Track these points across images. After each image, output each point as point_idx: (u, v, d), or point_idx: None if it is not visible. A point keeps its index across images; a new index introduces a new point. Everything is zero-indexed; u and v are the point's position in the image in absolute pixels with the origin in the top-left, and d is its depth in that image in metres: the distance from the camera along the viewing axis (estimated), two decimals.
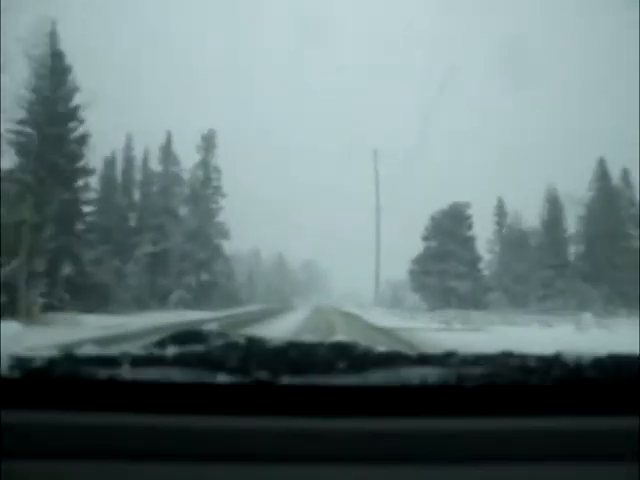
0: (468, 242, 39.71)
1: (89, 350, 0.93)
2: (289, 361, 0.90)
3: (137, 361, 0.89)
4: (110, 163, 36.98)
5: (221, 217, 40.33)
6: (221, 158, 40.53)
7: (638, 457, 0.82)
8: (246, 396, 0.87)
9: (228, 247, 42.04)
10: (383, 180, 42.94)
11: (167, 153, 39.37)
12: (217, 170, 40.34)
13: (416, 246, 40.94)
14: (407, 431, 0.85)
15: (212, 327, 1.00)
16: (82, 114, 26.15)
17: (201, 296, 36.74)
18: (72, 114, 26.23)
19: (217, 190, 40.45)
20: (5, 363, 0.88)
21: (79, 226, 27.48)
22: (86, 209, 29.11)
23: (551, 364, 0.91)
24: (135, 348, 0.95)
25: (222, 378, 0.87)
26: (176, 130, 40.54)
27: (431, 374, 0.88)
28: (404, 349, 1.00)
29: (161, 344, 0.95)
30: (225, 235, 40.21)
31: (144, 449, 0.83)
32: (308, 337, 1.31)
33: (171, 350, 0.92)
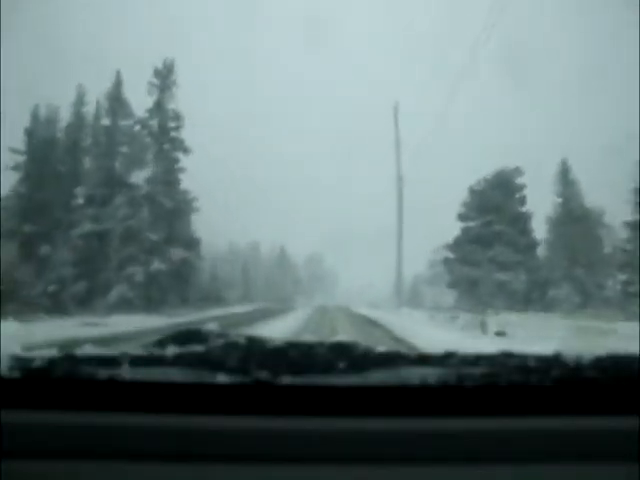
0: (521, 221, 39.00)
1: (89, 350, 1.25)
2: (289, 361, 1.20)
3: (137, 361, 1.19)
4: (47, 119, 35.84)
5: (185, 183, 37.63)
6: (218, 138, 38.82)
7: (638, 457, 1.09)
8: (246, 396, 1.16)
9: (222, 239, 40.75)
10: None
11: (117, 102, 37.21)
12: (177, 116, 37.10)
13: (441, 229, 40.55)
14: (407, 431, 1.13)
15: (212, 326, 1.32)
16: None
17: (151, 294, 34.18)
18: None
19: (177, 144, 37.21)
20: (5, 363, 1.17)
21: None
22: None
23: (551, 364, 1.20)
24: (135, 348, 1.26)
25: (222, 378, 1.15)
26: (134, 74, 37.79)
27: (431, 374, 1.17)
28: (404, 349, 1.31)
29: (161, 344, 1.25)
30: (190, 207, 37.82)
31: (144, 449, 1.10)
32: (308, 337, 1.62)
33: (171, 350, 1.22)
